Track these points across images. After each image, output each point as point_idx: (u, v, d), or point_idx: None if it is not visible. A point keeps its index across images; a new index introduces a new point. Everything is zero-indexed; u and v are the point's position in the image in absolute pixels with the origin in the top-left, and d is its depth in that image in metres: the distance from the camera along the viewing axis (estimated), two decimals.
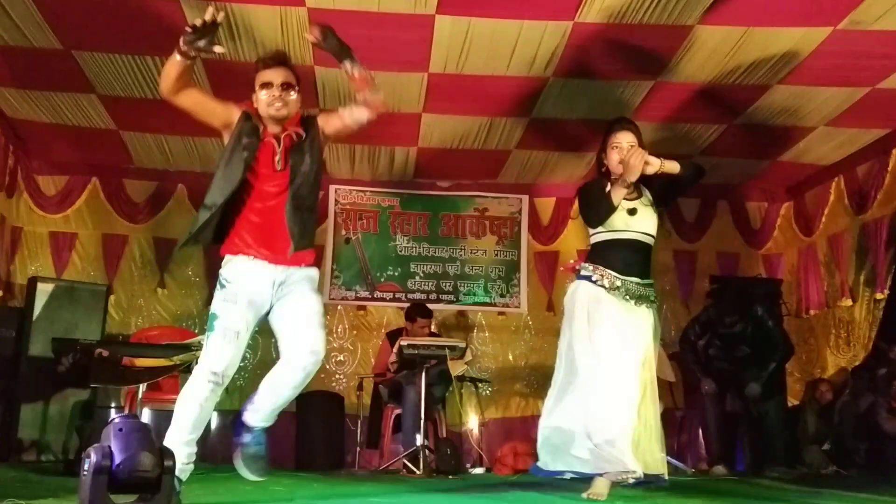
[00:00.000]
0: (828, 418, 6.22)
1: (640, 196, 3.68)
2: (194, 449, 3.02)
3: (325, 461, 6.26)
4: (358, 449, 6.21)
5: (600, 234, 3.68)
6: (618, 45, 5.01)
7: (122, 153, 6.84)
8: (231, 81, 5.55)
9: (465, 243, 7.63)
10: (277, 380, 3.09)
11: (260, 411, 3.09)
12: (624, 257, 3.60)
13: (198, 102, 3.24)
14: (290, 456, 6.45)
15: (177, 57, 3.06)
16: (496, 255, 7.64)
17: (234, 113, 3.20)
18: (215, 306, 3.11)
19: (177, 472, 2.84)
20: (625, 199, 3.60)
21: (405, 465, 5.56)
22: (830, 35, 4.79)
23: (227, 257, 3.16)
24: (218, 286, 3.15)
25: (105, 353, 5.12)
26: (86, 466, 2.10)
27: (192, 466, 3.00)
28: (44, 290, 6.23)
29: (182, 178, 7.26)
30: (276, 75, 3.19)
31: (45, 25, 4.85)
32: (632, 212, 3.61)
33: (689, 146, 6.60)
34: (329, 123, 3.28)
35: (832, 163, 6.81)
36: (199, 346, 5.26)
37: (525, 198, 7.67)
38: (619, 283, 3.55)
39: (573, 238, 7.56)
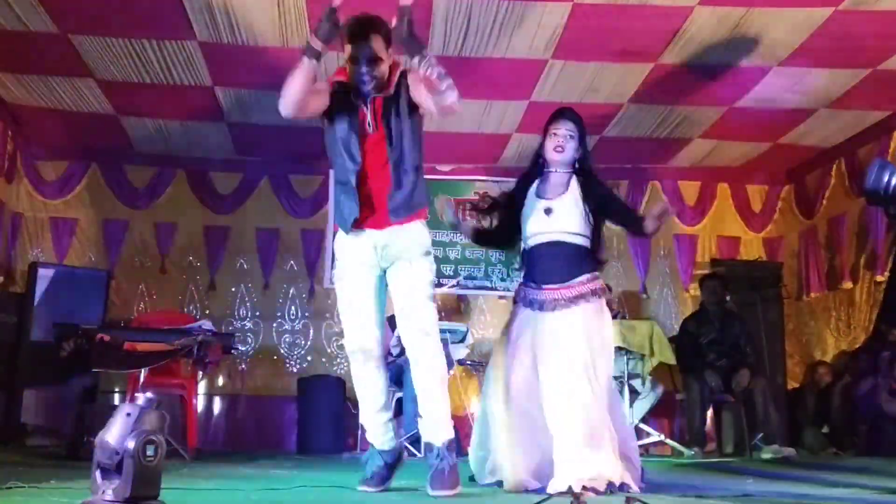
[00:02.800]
0: (827, 401, 6.24)
1: (564, 193, 3.33)
2: (385, 418, 3.20)
3: (326, 444, 6.28)
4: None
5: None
6: (618, 26, 4.98)
7: (122, 138, 6.83)
8: (229, 66, 5.55)
9: None
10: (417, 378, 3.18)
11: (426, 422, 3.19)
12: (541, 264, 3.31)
13: (319, 106, 3.12)
14: (292, 439, 6.49)
15: (305, 61, 2.95)
16: None
17: (327, 94, 3.13)
18: (335, 285, 3.27)
19: (378, 446, 3.18)
20: (542, 198, 3.35)
21: (406, 449, 5.58)
22: (832, 15, 4.76)
23: (338, 233, 3.25)
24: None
25: (106, 338, 5.14)
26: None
27: (391, 437, 3.21)
28: (45, 276, 6.26)
29: (182, 163, 7.26)
30: (362, 50, 3.02)
31: (41, 10, 4.82)
32: (548, 211, 3.31)
33: (688, 129, 6.59)
34: (414, 90, 3.13)
35: (833, 145, 6.80)
36: (201, 331, 5.31)
37: None
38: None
39: None
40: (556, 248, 3.29)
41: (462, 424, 6.78)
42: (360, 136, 3.10)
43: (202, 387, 6.76)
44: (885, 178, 2.31)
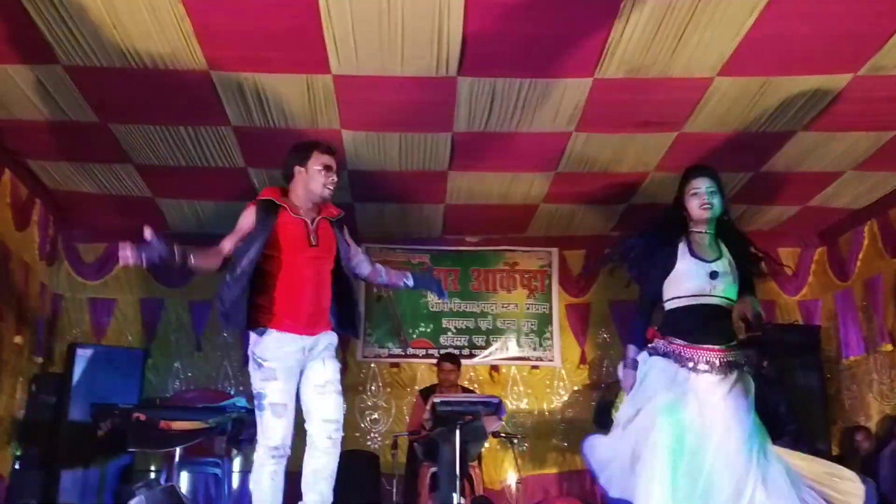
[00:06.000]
0: (871, 468, 6.05)
1: (720, 257, 3.38)
2: None
3: None
4: None
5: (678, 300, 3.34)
6: (639, 98, 5.07)
7: (158, 219, 6.99)
8: (262, 147, 5.71)
9: (496, 298, 7.64)
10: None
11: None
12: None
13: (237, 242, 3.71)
14: None
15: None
16: (528, 308, 7.64)
17: (250, 216, 3.73)
18: (257, 385, 3.46)
19: None
20: (704, 259, 3.34)
21: None
22: (852, 81, 4.79)
23: (258, 335, 3.52)
24: (253, 365, 3.48)
25: (142, 418, 5.20)
26: None
27: None
28: (83, 356, 6.39)
29: (216, 243, 7.37)
30: (333, 161, 3.70)
31: (84, 102, 5.04)
32: (713, 275, 3.30)
33: None
34: (350, 247, 3.78)
35: (864, 206, 6.75)
36: (235, 409, 5.35)
37: (555, 251, 7.68)
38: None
39: (605, 289, 7.53)
40: (717, 311, 3.31)
41: (499, 499, 6.68)
42: (297, 245, 3.58)
43: (237, 464, 6.75)
44: None
